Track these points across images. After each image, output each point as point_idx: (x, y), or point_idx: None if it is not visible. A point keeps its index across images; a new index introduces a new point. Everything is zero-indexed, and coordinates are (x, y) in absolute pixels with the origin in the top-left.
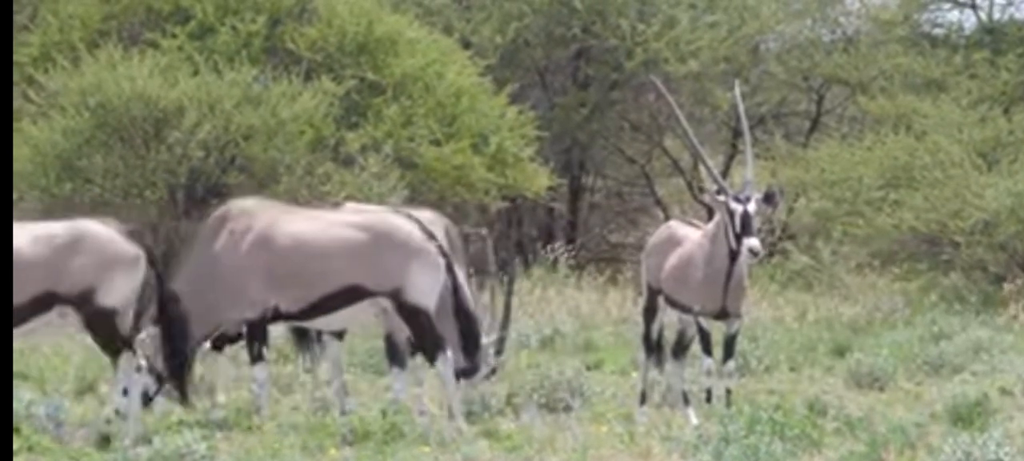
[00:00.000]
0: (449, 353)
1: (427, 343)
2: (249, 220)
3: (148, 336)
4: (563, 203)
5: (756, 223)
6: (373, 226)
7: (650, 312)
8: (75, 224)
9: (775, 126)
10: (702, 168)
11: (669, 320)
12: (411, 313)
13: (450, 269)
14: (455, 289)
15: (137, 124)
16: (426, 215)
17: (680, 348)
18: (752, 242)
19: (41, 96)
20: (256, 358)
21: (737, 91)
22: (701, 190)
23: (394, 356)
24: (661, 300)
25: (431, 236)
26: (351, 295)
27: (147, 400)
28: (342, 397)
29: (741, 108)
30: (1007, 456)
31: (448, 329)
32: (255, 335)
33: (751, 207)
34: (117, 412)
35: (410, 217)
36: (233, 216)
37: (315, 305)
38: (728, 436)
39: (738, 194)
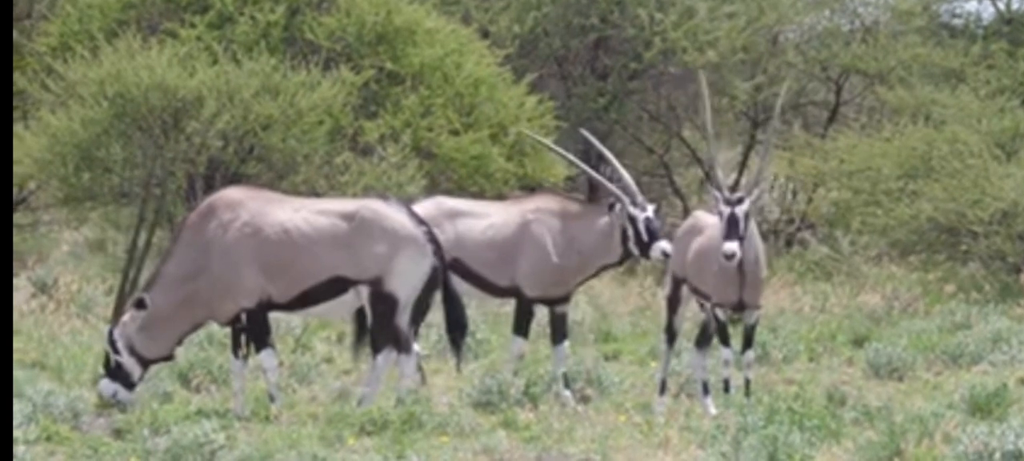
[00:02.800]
0: (393, 352)
1: (382, 332)
2: (237, 210)
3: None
4: (582, 193)
5: (744, 226)
6: (357, 214)
7: (674, 301)
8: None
9: (793, 116)
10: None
11: (692, 310)
12: (382, 300)
13: (439, 254)
14: (445, 274)
15: (156, 114)
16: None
17: (703, 338)
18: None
19: (60, 85)
20: (262, 345)
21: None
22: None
23: (399, 342)
24: (685, 289)
25: (421, 222)
26: (336, 286)
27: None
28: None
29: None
30: None
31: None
32: (256, 322)
33: (740, 209)
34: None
35: (402, 203)
36: (221, 207)
37: (303, 296)
38: (747, 426)
39: (730, 195)
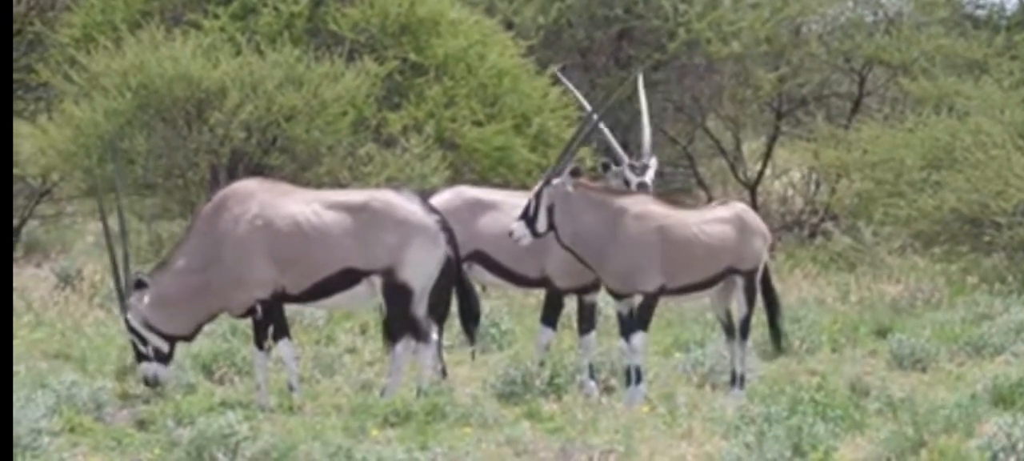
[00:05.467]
0: (412, 341)
1: (397, 322)
2: (248, 203)
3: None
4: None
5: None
6: (368, 205)
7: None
8: None
9: (817, 107)
10: (742, 149)
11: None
12: (396, 291)
13: (452, 243)
14: (458, 263)
15: (179, 105)
16: None
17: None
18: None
19: (83, 77)
20: (278, 336)
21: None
22: (746, 173)
23: (416, 331)
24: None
25: (432, 210)
26: (348, 278)
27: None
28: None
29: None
30: None
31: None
32: (271, 314)
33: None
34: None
35: (415, 193)
36: (232, 200)
37: (315, 288)
38: (771, 417)
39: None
